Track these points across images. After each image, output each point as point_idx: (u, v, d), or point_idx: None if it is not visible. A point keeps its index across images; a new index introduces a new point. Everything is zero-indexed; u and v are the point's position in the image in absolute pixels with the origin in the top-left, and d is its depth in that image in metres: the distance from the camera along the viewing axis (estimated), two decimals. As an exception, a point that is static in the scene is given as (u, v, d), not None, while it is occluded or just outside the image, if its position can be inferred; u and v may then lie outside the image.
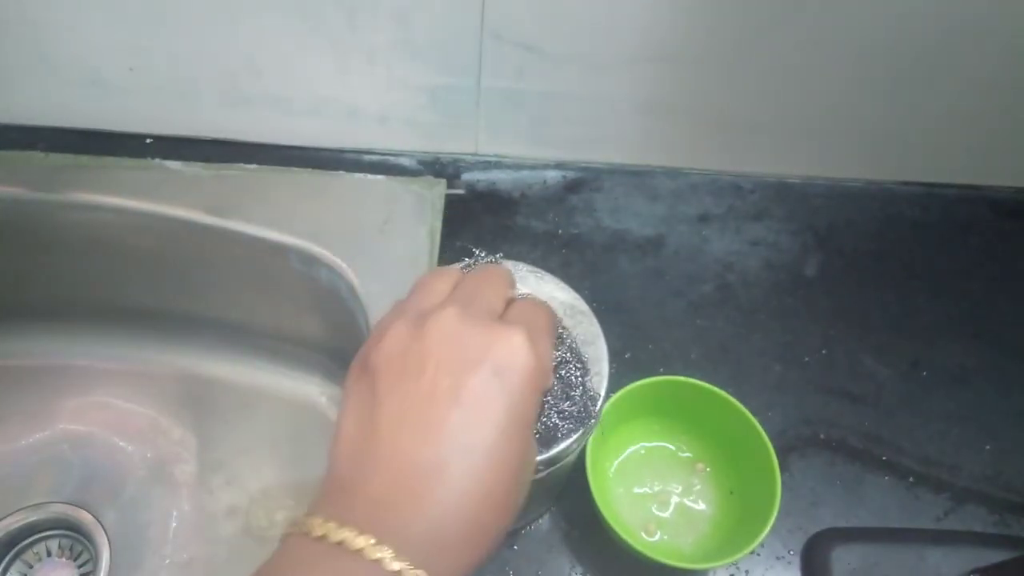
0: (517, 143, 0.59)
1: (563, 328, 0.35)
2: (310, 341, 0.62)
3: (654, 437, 0.46)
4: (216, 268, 0.58)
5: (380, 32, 0.51)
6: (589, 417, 0.33)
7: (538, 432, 0.32)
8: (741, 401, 0.42)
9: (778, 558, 0.44)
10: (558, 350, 0.34)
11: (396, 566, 0.23)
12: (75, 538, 0.59)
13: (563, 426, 0.33)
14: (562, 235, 0.57)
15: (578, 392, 0.33)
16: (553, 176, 0.60)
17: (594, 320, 0.37)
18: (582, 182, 0.60)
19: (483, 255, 0.36)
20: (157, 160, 0.57)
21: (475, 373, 0.26)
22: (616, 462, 0.45)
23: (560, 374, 0.33)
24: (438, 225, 0.55)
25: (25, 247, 0.58)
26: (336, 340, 0.60)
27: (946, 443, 0.49)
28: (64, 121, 0.58)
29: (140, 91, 0.55)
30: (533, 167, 0.60)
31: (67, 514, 0.58)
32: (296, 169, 0.58)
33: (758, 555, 0.44)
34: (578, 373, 0.34)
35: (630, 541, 0.38)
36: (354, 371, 0.29)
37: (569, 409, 0.33)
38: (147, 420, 0.62)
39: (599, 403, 0.34)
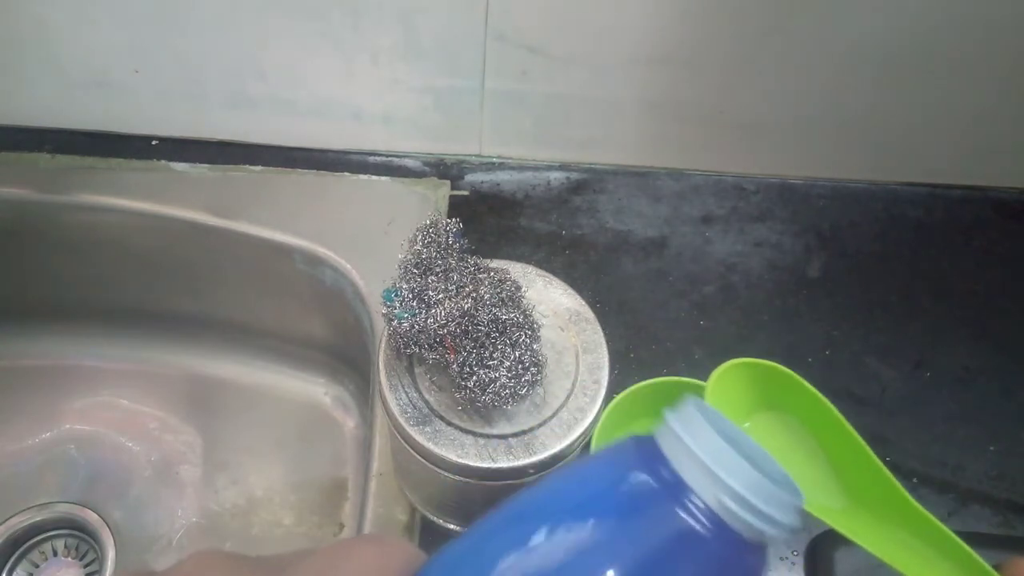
0: (521, 144, 0.59)
1: (520, 292, 0.35)
2: (315, 341, 0.62)
3: (657, 437, 0.46)
4: (221, 269, 0.58)
5: (384, 34, 0.51)
6: (536, 380, 0.34)
7: (489, 392, 0.33)
8: (744, 402, 0.42)
9: (781, 559, 0.44)
10: (512, 313, 0.34)
11: None
12: (81, 538, 0.59)
13: (512, 385, 0.33)
14: (566, 236, 0.57)
15: (527, 355, 0.34)
16: (557, 177, 0.60)
17: (598, 328, 0.38)
18: (585, 183, 0.60)
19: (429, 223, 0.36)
20: (163, 162, 0.58)
21: None
22: (620, 462, 0.45)
23: (512, 337, 0.34)
24: (442, 226, 0.56)
25: (32, 248, 0.58)
26: (341, 340, 0.60)
27: (950, 444, 0.49)
28: (70, 123, 0.58)
29: (146, 93, 0.56)
30: (537, 168, 0.60)
31: (73, 514, 0.58)
32: (301, 171, 0.58)
33: (761, 555, 0.44)
34: (527, 339, 0.34)
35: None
36: None
37: (517, 370, 0.34)
38: (153, 420, 0.63)
39: (544, 368, 0.35)
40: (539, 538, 0.19)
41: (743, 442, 0.22)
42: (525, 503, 0.21)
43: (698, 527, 0.19)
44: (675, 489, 0.19)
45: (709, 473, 0.19)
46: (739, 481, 0.19)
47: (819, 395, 0.33)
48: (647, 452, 0.20)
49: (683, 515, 0.19)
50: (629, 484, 0.20)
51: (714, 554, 0.19)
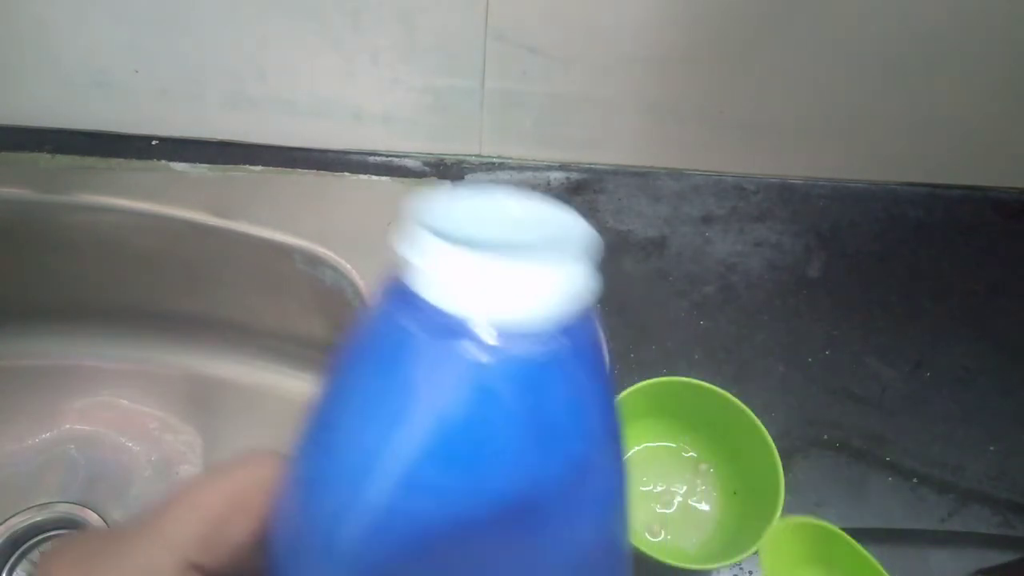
0: (521, 144, 0.59)
1: None
2: (315, 341, 0.62)
3: (658, 437, 0.46)
4: (221, 269, 0.58)
5: (384, 34, 0.51)
6: None
7: None
8: (744, 402, 0.42)
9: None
10: None
11: None
12: (81, 538, 0.59)
13: None
14: (566, 236, 0.57)
15: None
16: (557, 177, 0.60)
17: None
18: (586, 183, 0.60)
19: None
20: (163, 162, 0.58)
21: None
22: (619, 462, 0.45)
23: None
24: (442, 226, 0.56)
25: (32, 248, 0.58)
26: (341, 340, 0.60)
27: (950, 444, 0.49)
28: (70, 123, 0.58)
29: (146, 93, 0.56)
30: (536, 168, 0.60)
31: (73, 514, 0.58)
32: (301, 170, 0.58)
33: (761, 555, 0.44)
34: None
35: (633, 541, 0.39)
36: None
37: None
38: (153, 420, 0.63)
39: None
40: (343, 429, 0.18)
41: (487, 223, 0.18)
42: (325, 400, 0.19)
43: (477, 347, 0.16)
44: (437, 322, 0.16)
45: (457, 287, 0.16)
46: (491, 281, 0.16)
47: (866, 555, 0.37)
48: (403, 299, 0.17)
49: (464, 343, 0.16)
50: (400, 341, 0.17)
51: (518, 365, 0.16)
